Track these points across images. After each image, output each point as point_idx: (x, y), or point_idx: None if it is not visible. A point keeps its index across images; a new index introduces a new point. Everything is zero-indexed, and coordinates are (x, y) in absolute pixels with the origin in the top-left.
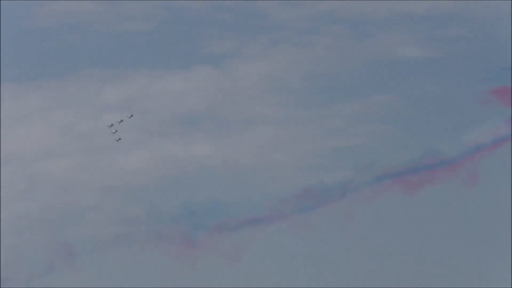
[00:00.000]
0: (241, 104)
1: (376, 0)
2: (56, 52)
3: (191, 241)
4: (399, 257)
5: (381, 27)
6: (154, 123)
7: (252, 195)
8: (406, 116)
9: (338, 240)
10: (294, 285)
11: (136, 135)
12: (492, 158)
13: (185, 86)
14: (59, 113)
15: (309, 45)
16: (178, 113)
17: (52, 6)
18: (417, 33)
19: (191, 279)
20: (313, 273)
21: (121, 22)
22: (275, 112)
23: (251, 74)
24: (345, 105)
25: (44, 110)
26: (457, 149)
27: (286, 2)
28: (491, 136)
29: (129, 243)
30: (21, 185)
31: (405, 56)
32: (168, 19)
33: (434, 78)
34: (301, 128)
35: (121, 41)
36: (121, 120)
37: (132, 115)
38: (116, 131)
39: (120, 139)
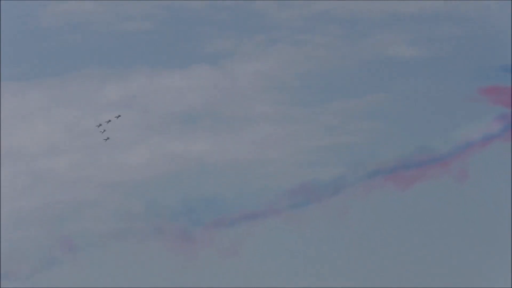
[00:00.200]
0: (239, 102)
1: (371, 0)
2: (57, 51)
3: (190, 236)
4: (392, 251)
5: (376, 27)
6: (154, 120)
7: (249, 190)
8: (399, 114)
9: (332, 234)
10: (290, 278)
11: (136, 132)
12: (482, 155)
13: (184, 84)
14: (60, 111)
15: (306, 45)
16: (178, 111)
17: (53, 6)
18: (411, 33)
19: (189, 273)
20: (308, 267)
21: (121, 21)
22: (272, 109)
23: (248, 72)
24: (340, 103)
25: (45, 108)
26: (448, 146)
27: (283, 2)
28: (481, 133)
29: (129, 238)
30: (22, 182)
31: (399, 56)
32: (167, 19)
33: (426, 77)
34: (297, 126)
35: (121, 40)
36: (109, 120)
37: (120, 115)
38: (104, 130)
39: (108, 138)
